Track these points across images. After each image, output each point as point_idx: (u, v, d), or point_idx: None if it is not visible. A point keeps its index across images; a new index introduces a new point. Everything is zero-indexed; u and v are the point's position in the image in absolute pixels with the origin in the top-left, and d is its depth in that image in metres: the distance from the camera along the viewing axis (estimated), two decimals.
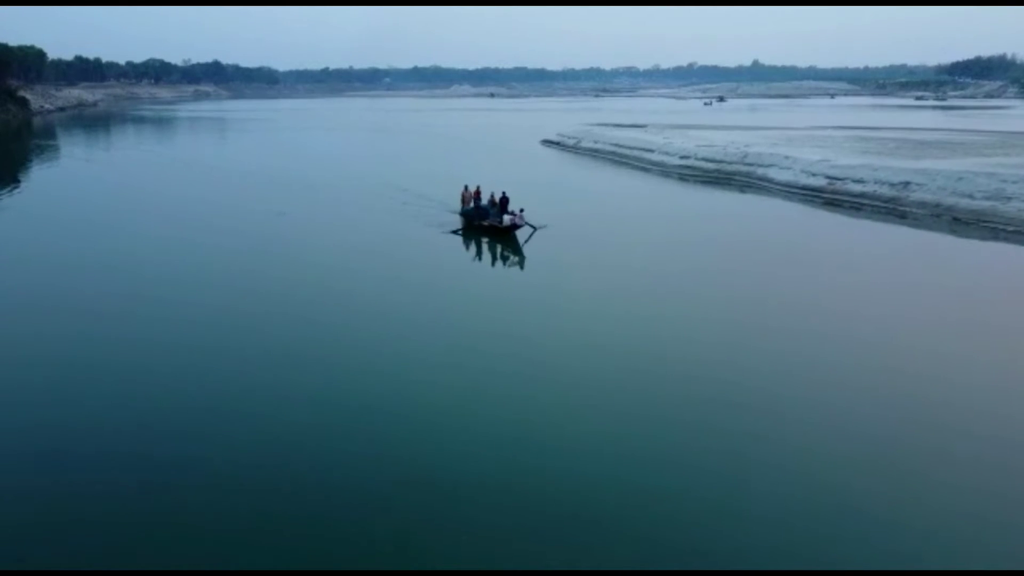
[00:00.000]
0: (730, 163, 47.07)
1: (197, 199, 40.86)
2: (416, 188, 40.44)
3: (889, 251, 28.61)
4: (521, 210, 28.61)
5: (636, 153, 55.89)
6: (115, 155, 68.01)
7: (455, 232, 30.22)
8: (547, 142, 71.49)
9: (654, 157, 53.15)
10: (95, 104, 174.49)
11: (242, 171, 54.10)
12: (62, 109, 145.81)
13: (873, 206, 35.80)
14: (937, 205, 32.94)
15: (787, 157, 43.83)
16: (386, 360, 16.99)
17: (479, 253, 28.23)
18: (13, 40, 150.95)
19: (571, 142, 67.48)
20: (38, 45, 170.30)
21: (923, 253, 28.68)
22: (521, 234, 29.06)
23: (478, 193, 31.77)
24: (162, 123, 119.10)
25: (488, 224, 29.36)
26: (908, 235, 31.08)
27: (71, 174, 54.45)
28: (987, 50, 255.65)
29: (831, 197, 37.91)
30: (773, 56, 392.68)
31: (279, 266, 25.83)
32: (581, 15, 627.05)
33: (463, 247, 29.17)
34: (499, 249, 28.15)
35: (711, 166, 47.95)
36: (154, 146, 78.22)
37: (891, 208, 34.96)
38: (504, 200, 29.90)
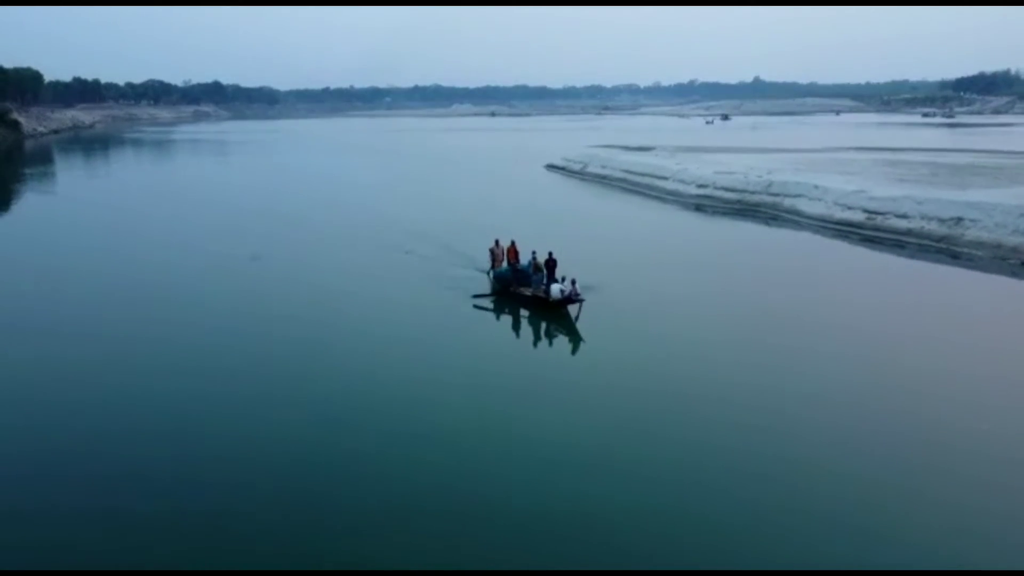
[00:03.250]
0: (753, 192, 43.42)
1: (153, 239, 35.92)
2: (422, 227, 35.85)
3: (970, 305, 24.68)
4: (573, 281, 21.85)
5: (648, 180, 52.31)
6: (83, 186, 64.35)
7: (483, 297, 23.92)
8: (552, 167, 68.02)
9: (669, 185, 49.56)
10: (91, 126, 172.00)
11: (223, 201, 50.55)
12: (56, 131, 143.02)
13: (920, 244, 32.08)
14: (999, 246, 29.18)
15: (816, 187, 40.15)
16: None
17: (518, 330, 22.11)
18: (11, 62, 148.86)
19: (577, 167, 63.98)
20: (36, 67, 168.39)
21: (1002, 307, 24.78)
22: (573, 307, 22.27)
23: (513, 251, 24.81)
24: (152, 146, 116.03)
25: (531, 294, 22.94)
26: (974, 282, 27.36)
27: (27, 210, 50.59)
28: (989, 65, 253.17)
29: (871, 234, 34.17)
30: (774, 72, 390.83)
31: (230, 351, 19.53)
32: (581, 31, 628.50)
33: (496, 322, 22.87)
34: (544, 327, 21.92)
35: (732, 196, 44.30)
36: (133, 173, 74.92)
37: (942, 247, 31.20)
38: (551, 263, 23.27)
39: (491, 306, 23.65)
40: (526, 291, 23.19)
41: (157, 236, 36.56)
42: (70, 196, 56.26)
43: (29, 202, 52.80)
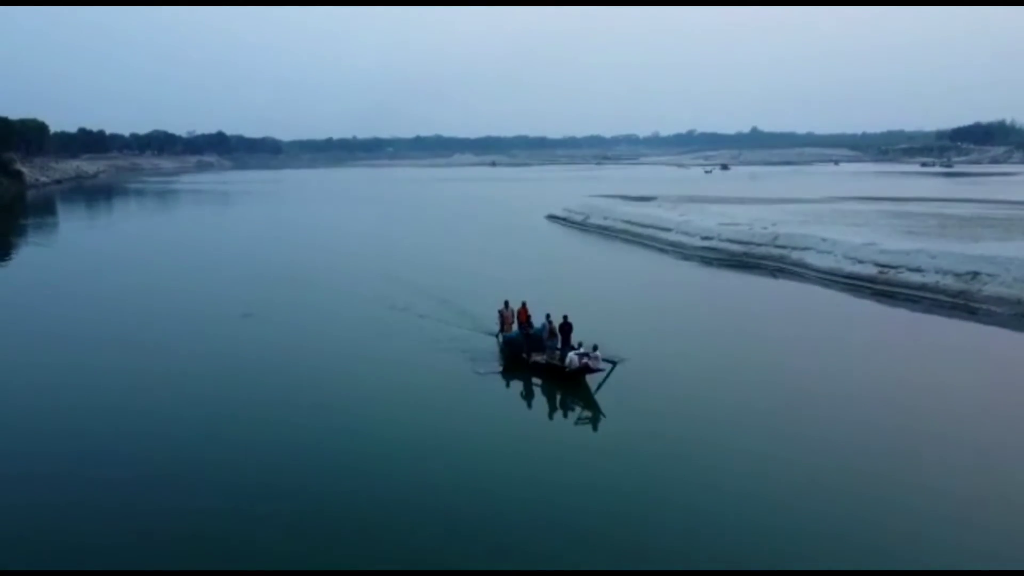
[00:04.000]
0: (759, 245, 42.52)
1: (135, 293, 34.66)
2: (422, 282, 34.44)
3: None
4: (595, 348, 19.80)
5: (651, 232, 51.51)
6: (77, 239, 63.71)
7: (490, 373, 21.52)
8: (553, 217, 67.40)
9: (672, 237, 48.72)
10: (95, 176, 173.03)
11: (217, 254, 49.69)
12: (59, 182, 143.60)
13: (935, 299, 30.92)
14: (1019, 302, 28.02)
15: (824, 239, 39.25)
16: None
17: (530, 402, 20.30)
18: (17, 113, 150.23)
19: (579, 218, 63.34)
20: (42, 118, 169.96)
21: None
22: (592, 376, 20.34)
23: (525, 313, 23.15)
24: (152, 196, 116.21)
25: (545, 363, 21.06)
26: (1003, 340, 26.17)
27: (19, 264, 49.72)
28: (984, 116, 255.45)
29: (884, 288, 33.05)
30: (771, 123, 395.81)
31: (205, 426, 17.67)
32: (581, 81, 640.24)
33: (506, 392, 20.81)
34: (559, 398, 20.17)
35: (737, 248, 43.39)
36: (129, 225, 74.39)
37: (958, 303, 30.05)
38: (566, 327, 21.37)
39: (499, 372, 21.76)
40: (539, 358, 21.20)
41: (144, 291, 35.38)
42: (63, 249, 55.53)
43: (23, 255, 52.03)
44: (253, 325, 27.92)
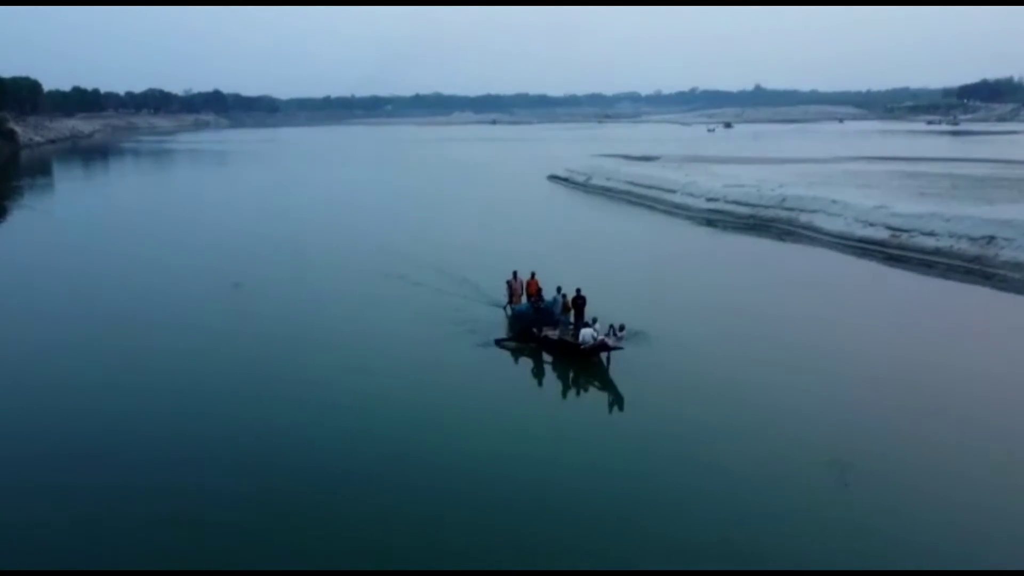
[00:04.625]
0: (766, 207, 41.56)
1: (130, 263, 33.31)
2: (420, 249, 32.96)
3: None
4: (622, 327, 18.30)
5: (655, 194, 50.45)
6: (71, 202, 62.61)
7: (501, 344, 20.30)
8: (555, 178, 66.20)
9: (677, 199, 47.69)
10: (91, 135, 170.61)
11: (208, 218, 48.66)
12: (53, 141, 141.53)
13: (949, 264, 30.14)
14: None
15: (835, 202, 38.29)
16: None
17: (540, 380, 19.08)
18: (9, 72, 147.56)
19: (581, 179, 62.14)
20: (35, 77, 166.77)
21: None
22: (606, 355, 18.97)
23: (534, 285, 21.72)
24: (148, 156, 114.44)
25: (557, 339, 19.70)
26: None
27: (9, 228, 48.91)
28: (992, 73, 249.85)
29: (896, 252, 32.25)
30: (775, 80, 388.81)
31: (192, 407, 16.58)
32: (582, 39, 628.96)
33: (514, 369, 19.37)
34: (571, 375, 18.93)
35: (744, 210, 42.43)
36: (124, 187, 73.26)
37: (974, 268, 29.27)
38: (579, 301, 20.09)
39: (509, 348, 20.23)
40: (551, 333, 19.94)
41: (135, 259, 34.49)
42: (57, 213, 54.58)
43: (16, 220, 51.10)
44: (244, 297, 26.57)
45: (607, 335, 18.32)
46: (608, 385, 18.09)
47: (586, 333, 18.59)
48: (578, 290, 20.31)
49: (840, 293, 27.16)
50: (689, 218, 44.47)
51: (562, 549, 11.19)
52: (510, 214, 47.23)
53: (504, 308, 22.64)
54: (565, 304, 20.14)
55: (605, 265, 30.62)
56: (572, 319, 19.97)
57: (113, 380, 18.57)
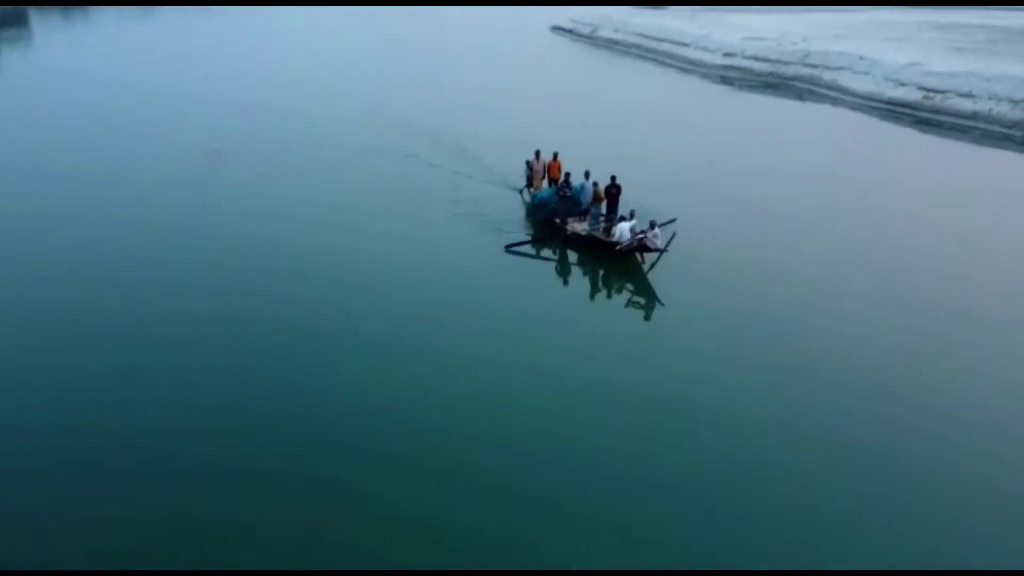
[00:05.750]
0: (788, 63, 38.64)
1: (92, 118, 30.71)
2: (419, 116, 29.59)
3: None
4: (652, 225, 15.60)
5: (667, 47, 46.91)
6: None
7: (520, 245, 16.99)
8: (558, 29, 61.67)
9: (690, 53, 44.35)
10: None
11: (179, 69, 45.07)
12: None
13: (986, 130, 28.10)
14: None
15: (862, 58, 35.40)
16: None
17: (567, 282, 16.17)
18: None
19: (587, 30, 57.85)
20: None
21: None
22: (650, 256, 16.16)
23: (557, 168, 18.58)
24: None
25: (587, 234, 16.89)
26: None
27: None
28: None
29: (929, 116, 30.03)
30: None
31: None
32: None
33: (534, 268, 16.40)
34: (602, 276, 16.17)
35: (763, 67, 39.48)
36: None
37: (1013, 135, 27.30)
38: (613, 191, 16.93)
39: (527, 241, 17.22)
40: (578, 227, 17.20)
41: (96, 109, 31.67)
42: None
43: None
44: (224, 167, 23.59)
45: (646, 232, 15.57)
46: (643, 288, 15.28)
47: (622, 228, 15.77)
48: (612, 178, 16.98)
49: (867, 161, 25.29)
50: (704, 75, 41.49)
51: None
52: (512, 70, 43.87)
53: (521, 192, 19.90)
54: (596, 194, 16.98)
55: (611, 133, 28.38)
56: (604, 211, 16.97)
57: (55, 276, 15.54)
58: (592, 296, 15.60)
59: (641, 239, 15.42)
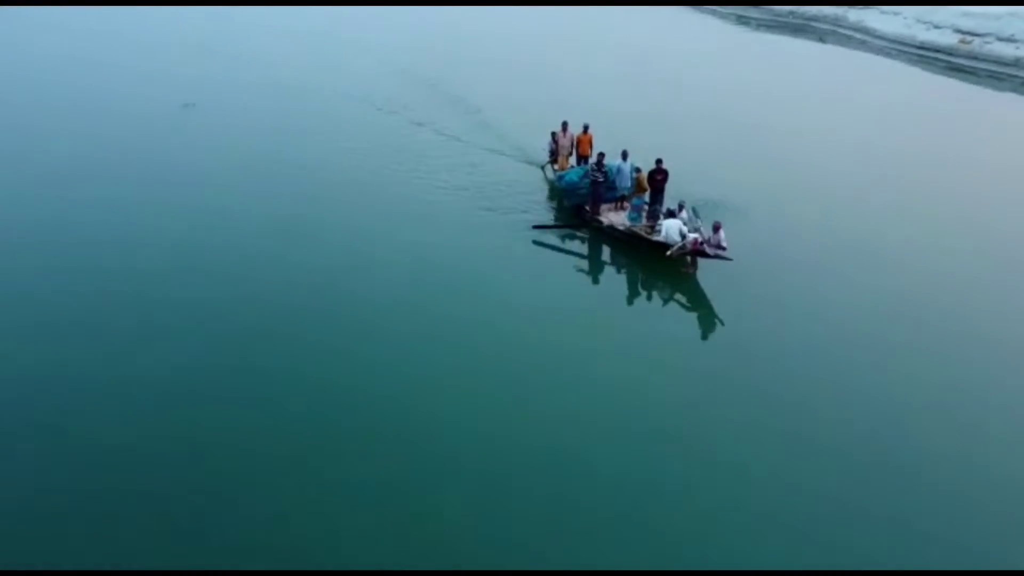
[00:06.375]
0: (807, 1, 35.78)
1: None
2: (412, 65, 26.84)
3: None
4: (716, 229, 12.28)
5: None
6: None
7: (547, 228, 14.43)
8: None
9: None
10: None
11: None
12: None
13: None
14: None
15: None
16: None
17: (597, 280, 13.36)
18: None
19: None
20: None
21: None
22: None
23: (587, 142, 15.64)
24: None
25: (627, 230, 13.64)
26: None
27: None
28: None
29: (964, 62, 27.66)
30: None
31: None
32: None
33: (564, 269, 13.43)
34: (641, 281, 13.06)
35: (782, 6, 36.62)
36: None
37: None
38: (659, 176, 13.94)
39: (552, 227, 14.51)
40: (615, 218, 14.03)
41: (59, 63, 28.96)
42: None
43: None
44: (198, 121, 20.52)
45: (701, 229, 12.48)
46: (697, 297, 12.16)
47: (670, 227, 12.50)
48: (658, 161, 13.95)
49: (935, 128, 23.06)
50: (718, 14, 38.63)
51: None
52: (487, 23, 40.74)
53: (543, 169, 16.85)
54: (639, 183, 14.21)
55: (616, 85, 26.00)
56: (647, 199, 13.96)
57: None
58: (630, 301, 12.53)
59: (699, 244, 12.10)
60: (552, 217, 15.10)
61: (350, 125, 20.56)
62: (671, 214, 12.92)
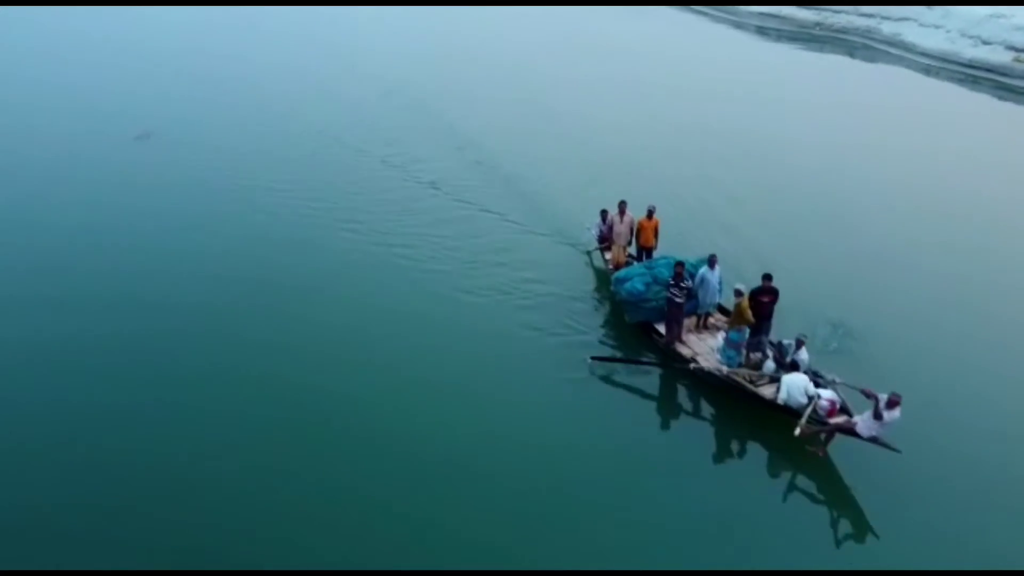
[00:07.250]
0: (836, 11, 32.87)
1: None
2: (421, 99, 24.25)
3: None
4: (890, 403, 7.89)
5: None
6: None
7: (608, 360, 10.42)
8: None
9: None
10: None
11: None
12: None
13: None
14: None
15: (931, 8, 29.69)
16: None
17: (682, 444, 9.17)
18: None
19: None
20: None
21: None
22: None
23: (650, 229, 11.89)
24: None
25: (725, 377, 9.42)
26: None
27: None
28: None
29: (1016, 83, 24.75)
30: None
31: None
32: None
33: (626, 422, 9.37)
34: (746, 447, 9.11)
35: (808, 16, 33.85)
36: None
37: None
38: (765, 299, 9.75)
39: (611, 358, 10.54)
40: (701, 349, 10.14)
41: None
42: None
43: None
44: (154, 156, 17.55)
45: (836, 383, 8.79)
46: (834, 485, 8.36)
47: (794, 386, 8.65)
48: (766, 278, 9.77)
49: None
50: (735, 24, 35.70)
51: None
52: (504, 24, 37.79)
53: (589, 255, 13.25)
54: (739, 313, 9.50)
55: (630, 91, 22.94)
56: (747, 333, 9.71)
57: None
58: (732, 483, 8.36)
59: (837, 411, 8.42)
60: (606, 333, 11.04)
61: (349, 184, 16.36)
62: (781, 361, 8.96)
